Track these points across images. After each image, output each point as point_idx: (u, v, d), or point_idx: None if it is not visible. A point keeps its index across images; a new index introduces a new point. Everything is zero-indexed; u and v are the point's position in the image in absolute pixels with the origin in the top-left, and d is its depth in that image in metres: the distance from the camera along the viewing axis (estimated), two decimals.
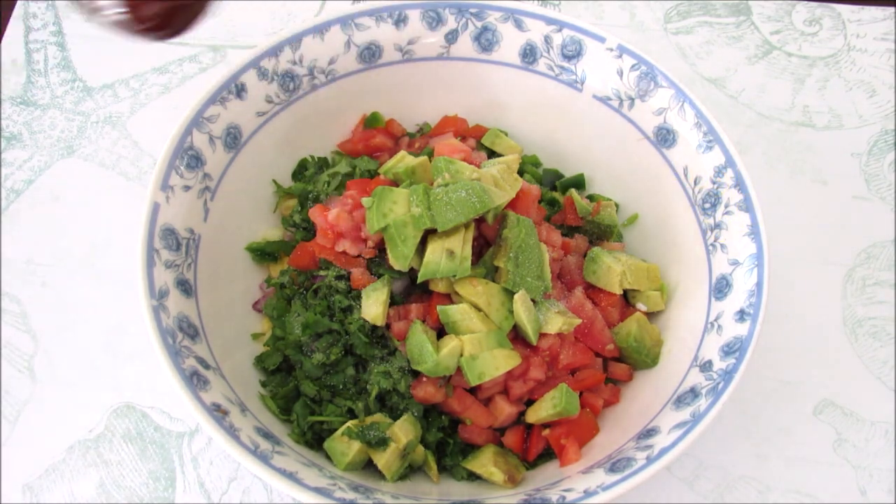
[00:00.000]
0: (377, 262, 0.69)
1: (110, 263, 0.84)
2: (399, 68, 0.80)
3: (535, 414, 0.68)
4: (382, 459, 0.64)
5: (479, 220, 0.68)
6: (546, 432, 0.68)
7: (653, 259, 0.77)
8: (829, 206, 0.90)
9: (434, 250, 0.65)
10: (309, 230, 0.76)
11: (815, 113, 0.96)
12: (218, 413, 0.60)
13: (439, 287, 0.67)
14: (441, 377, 0.65)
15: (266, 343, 0.73)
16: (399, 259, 0.65)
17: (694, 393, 0.63)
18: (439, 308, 0.65)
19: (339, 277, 0.69)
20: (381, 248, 0.69)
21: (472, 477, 0.68)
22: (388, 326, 0.67)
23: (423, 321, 0.67)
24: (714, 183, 0.70)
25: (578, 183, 0.83)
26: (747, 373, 0.62)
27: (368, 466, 0.67)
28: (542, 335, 0.67)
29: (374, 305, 0.66)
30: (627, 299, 0.75)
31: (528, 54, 0.78)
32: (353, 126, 0.83)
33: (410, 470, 0.68)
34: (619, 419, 0.70)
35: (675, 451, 0.58)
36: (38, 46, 0.98)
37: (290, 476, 0.57)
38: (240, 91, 0.73)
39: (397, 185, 0.71)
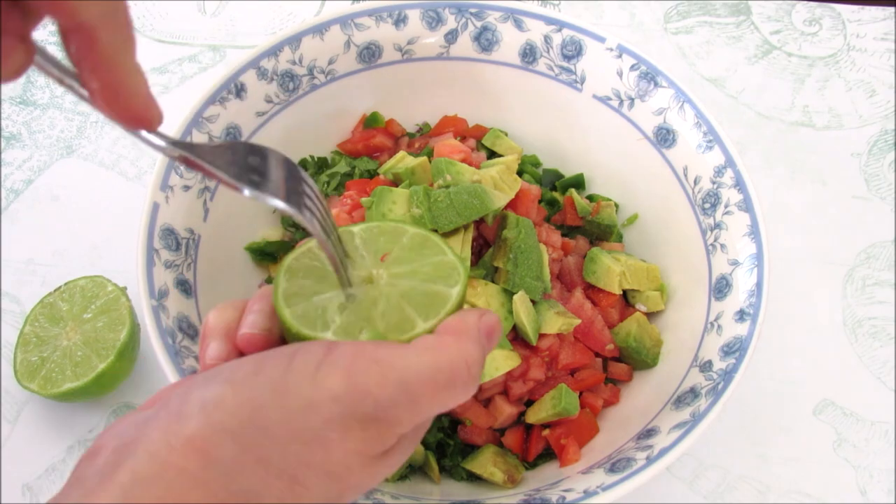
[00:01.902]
0: None
1: (110, 263, 0.84)
2: (399, 68, 0.80)
3: (535, 414, 0.68)
4: None
5: (479, 221, 0.68)
6: (546, 432, 0.68)
7: (652, 259, 0.77)
8: (829, 206, 0.90)
9: None
10: None
11: (815, 113, 0.96)
12: None
13: None
14: None
15: None
16: None
17: (694, 393, 0.63)
18: None
19: None
20: None
21: (472, 477, 0.68)
22: None
23: None
24: (714, 183, 0.70)
25: (578, 183, 0.83)
26: (747, 373, 0.62)
27: None
28: (541, 335, 0.67)
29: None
30: (627, 299, 0.75)
31: (528, 54, 0.78)
32: (353, 126, 0.83)
33: (410, 470, 0.68)
34: (619, 419, 0.70)
35: (676, 451, 0.58)
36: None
37: None
38: (239, 91, 0.73)
39: (397, 186, 0.71)
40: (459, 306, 0.43)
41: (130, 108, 0.38)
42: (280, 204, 0.41)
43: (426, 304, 0.43)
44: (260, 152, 0.43)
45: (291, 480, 0.36)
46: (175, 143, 0.40)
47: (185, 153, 0.40)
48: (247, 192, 0.40)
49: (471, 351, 0.39)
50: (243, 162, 0.41)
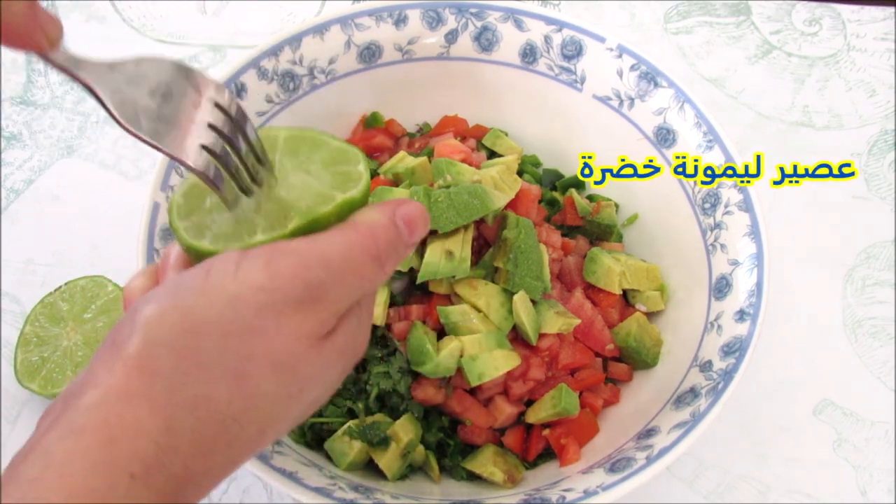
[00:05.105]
0: None
1: (110, 263, 0.84)
2: (399, 68, 0.80)
3: (535, 414, 0.68)
4: (384, 459, 0.64)
5: (479, 221, 0.68)
6: (546, 432, 0.68)
7: (653, 259, 0.77)
8: (829, 206, 0.90)
9: (433, 251, 0.65)
10: None
11: (815, 113, 0.96)
12: None
13: (439, 288, 0.67)
14: (441, 378, 0.65)
15: None
16: None
17: (694, 393, 0.63)
18: (439, 309, 0.65)
19: None
20: None
21: (472, 477, 0.68)
22: (388, 327, 0.67)
23: (424, 322, 0.67)
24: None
25: (578, 183, 0.83)
26: (747, 373, 0.62)
27: (368, 467, 0.67)
28: (541, 335, 0.67)
29: (374, 306, 0.66)
30: (627, 299, 0.75)
31: (528, 54, 0.78)
32: (353, 126, 0.83)
33: (411, 470, 0.68)
34: (619, 419, 0.70)
35: (676, 451, 0.58)
36: None
37: (290, 476, 0.57)
38: (240, 91, 0.73)
39: (397, 186, 0.71)
40: (368, 188, 0.42)
41: (8, 30, 0.36)
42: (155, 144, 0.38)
43: (339, 182, 0.42)
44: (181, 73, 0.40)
45: (238, 377, 0.35)
46: (72, 61, 0.38)
47: (82, 76, 0.39)
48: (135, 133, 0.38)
49: (382, 226, 0.40)
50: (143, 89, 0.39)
